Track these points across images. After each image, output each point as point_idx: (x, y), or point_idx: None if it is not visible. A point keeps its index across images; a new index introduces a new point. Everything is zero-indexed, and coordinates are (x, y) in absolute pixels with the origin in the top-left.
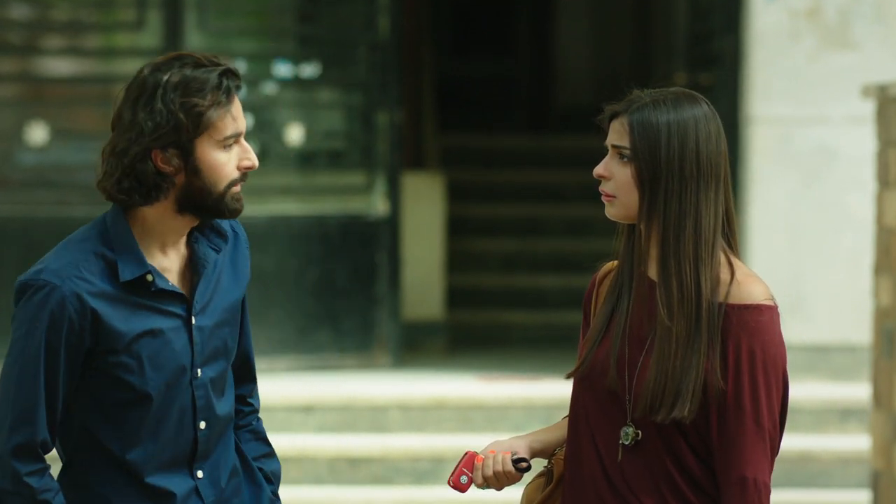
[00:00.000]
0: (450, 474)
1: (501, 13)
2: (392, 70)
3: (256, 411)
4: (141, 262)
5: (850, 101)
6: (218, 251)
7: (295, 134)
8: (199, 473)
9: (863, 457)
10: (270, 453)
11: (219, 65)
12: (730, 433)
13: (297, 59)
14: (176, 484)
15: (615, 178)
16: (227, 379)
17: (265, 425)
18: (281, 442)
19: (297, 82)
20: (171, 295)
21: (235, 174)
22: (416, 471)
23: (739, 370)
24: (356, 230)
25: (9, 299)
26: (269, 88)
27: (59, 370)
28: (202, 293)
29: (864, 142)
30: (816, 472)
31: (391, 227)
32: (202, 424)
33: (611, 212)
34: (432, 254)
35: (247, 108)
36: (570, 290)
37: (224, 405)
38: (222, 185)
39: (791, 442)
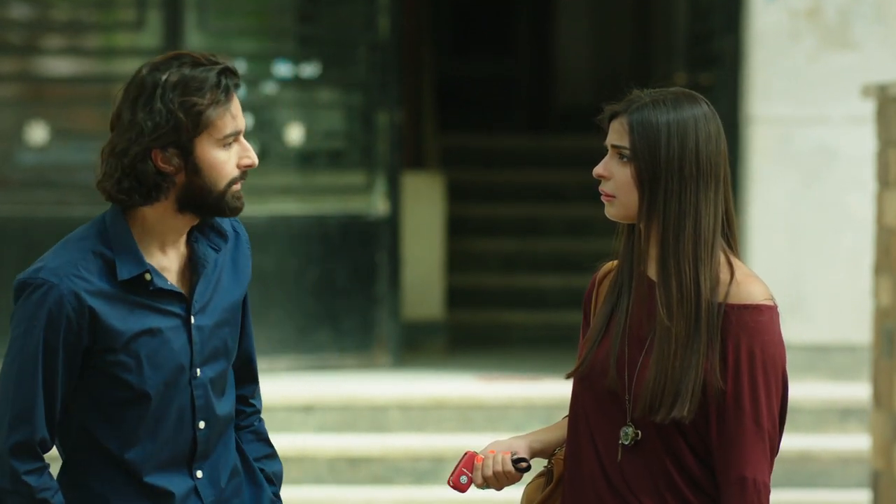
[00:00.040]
0: (450, 474)
1: (501, 13)
2: (392, 70)
3: (258, 412)
4: (139, 261)
5: (850, 101)
6: (218, 250)
7: (295, 134)
8: (199, 473)
9: (863, 457)
10: (272, 454)
11: (217, 63)
12: (729, 433)
13: (297, 59)
14: (175, 483)
15: (615, 178)
16: (227, 379)
17: (265, 425)
18: (281, 442)
19: (297, 82)
20: (169, 294)
21: (235, 172)
22: (416, 471)
23: (739, 370)
24: (356, 230)
25: (9, 299)
26: (269, 88)
27: (58, 368)
28: (201, 293)
29: (864, 142)
30: (816, 472)
31: (391, 227)
32: (201, 424)
33: (610, 212)
34: (432, 254)
35: (247, 108)
36: (570, 290)
37: (224, 405)
38: (223, 184)
39: (791, 442)
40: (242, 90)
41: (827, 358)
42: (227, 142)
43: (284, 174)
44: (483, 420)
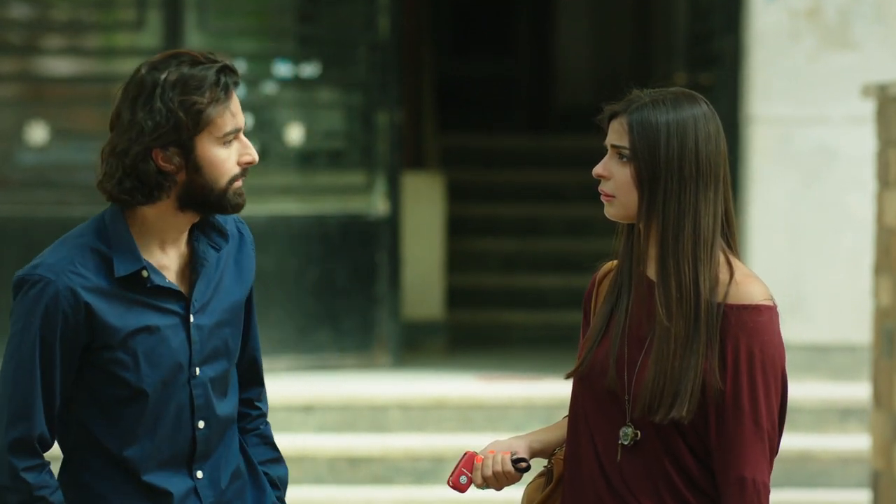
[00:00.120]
0: (449, 474)
1: (501, 13)
2: (392, 70)
3: (264, 415)
4: (136, 258)
5: (850, 101)
6: (218, 250)
7: (295, 134)
8: (199, 474)
9: (863, 457)
10: (278, 458)
11: (216, 62)
12: (728, 433)
13: (297, 59)
14: (174, 483)
15: (614, 178)
16: (229, 380)
17: (271, 428)
18: (281, 442)
19: (297, 82)
20: (167, 292)
21: (236, 170)
22: (416, 471)
23: (738, 370)
24: (356, 230)
25: (9, 299)
26: (269, 88)
27: (55, 365)
28: (201, 292)
29: (864, 142)
30: (816, 472)
31: (391, 226)
32: (201, 424)
33: (610, 212)
34: (432, 254)
35: (247, 107)
36: (570, 290)
37: (226, 406)
38: (224, 182)
39: (791, 442)
40: (242, 90)
41: (827, 358)
42: (227, 139)
43: (284, 174)
44: (483, 420)
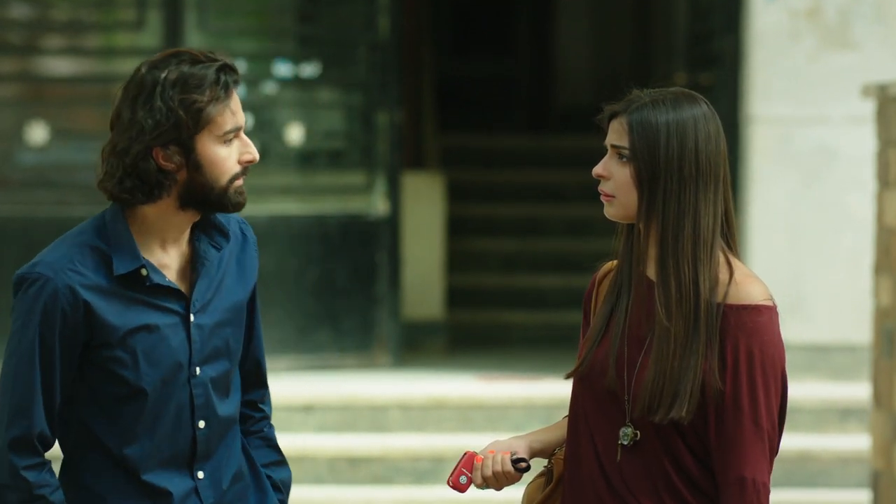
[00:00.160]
0: (449, 474)
1: (501, 13)
2: (392, 70)
3: (268, 418)
4: (135, 256)
5: (850, 101)
6: (219, 249)
7: (295, 134)
8: (200, 474)
9: (863, 456)
10: (281, 461)
11: (216, 60)
12: (728, 433)
13: (297, 59)
14: (174, 483)
15: (614, 178)
16: (231, 380)
17: (275, 431)
18: (281, 442)
19: (297, 82)
20: (167, 291)
21: (237, 168)
22: (416, 470)
23: (738, 371)
24: (356, 230)
25: (9, 299)
26: (269, 88)
27: (55, 362)
28: (202, 291)
29: (864, 142)
30: (816, 472)
31: (391, 226)
32: (201, 423)
33: (610, 212)
34: (432, 254)
35: (247, 107)
36: (570, 290)
37: (227, 406)
38: (224, 180)
39: (791, 441)
40: (242, 90)
41: (827, 358)
42: (227, 138)
43: (284, 174)
44: (483, 420)
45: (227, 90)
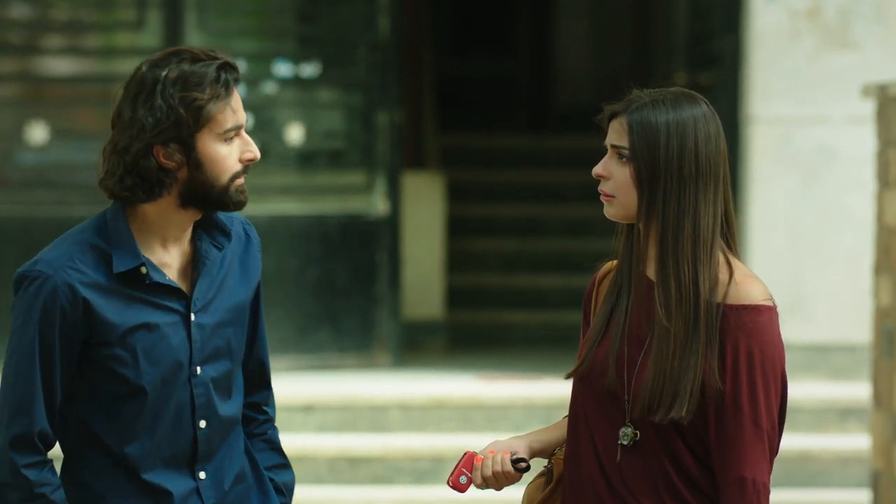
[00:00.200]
0: (449, 474)
1: (501, 13)
2: (392, 70)
3: (272, 420)
4: (135, 254)
5: (850, 101)
6: (221, 248)
7: (295, 134)
8: (202, 475)
9: (863, 456)
10: (285, 464)
11: (216, 58)
12: (728, 434)
13: (297, 59)
14: (175, 483)
15: (614, 178)
16: (233, 381)
17: (279, 434)
18: (281, 441)
19: (297, 82)
20: (167, 289)
21: (238, 167)
22: (416, 470)
23: (737, 371)
24: (356, 230)
25: (9, 299)
26: (269, 88)
27: (55, 360)
28: (203, 290)
29: (864, 142)
30: (816, 472)
31: (391, 226)
32: (202, 423)
33: (609, 211)
34: (432, 254)
35: (247, 107)
36: (570, 290)
37: (229, 407)
38: (225, 178)
39: (791, 441)
40: (242, 90)
41: (827, 358)
42: (228, 136)
43: (284, 174)
44: (483, 420)
45: (227, 88)
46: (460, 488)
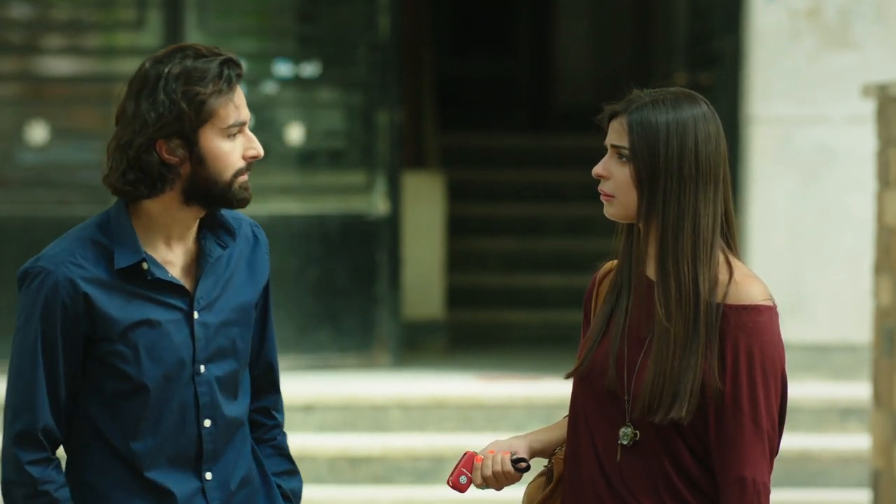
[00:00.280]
0: (449, 474)
1: (501, 13)
2: (392, 70)
3: (280, 426)
4: (136, 250)
5: (850, 101)
6: (225, 247)
7: (295, 133)
8: (208, 475)
9: (863, 456)
10: (292, 471)
11: (219, 54)
12: (728, 434)
13: (297, 59)
14: (179, 482)
15: (614, 178)
16: (239, 381)
17: (287, 440)
18: None
19: (297, 82)
20: (170, 287)
21: (241, 163)
22: (416, 470)
23: (738, 371)
24: (356, 230)
25: (9, 299)
26: (270, 88)
27: (58, 356)
28: (206, 289)
29: (864, 141)
30: (816, 472)
31: (391, 226)
32: (207, 423)
33: (609, 211)
34: (432, 253)
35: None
36: (570, 290)
37: (235, 408)
38: (228, 175)
39: (791, 441)
40: (243, 90)
41: (827, 358)
42: (231, 132)
43: (284, 174)
44: (483, 420)
45: (229, 83)
46: (460, 488)
